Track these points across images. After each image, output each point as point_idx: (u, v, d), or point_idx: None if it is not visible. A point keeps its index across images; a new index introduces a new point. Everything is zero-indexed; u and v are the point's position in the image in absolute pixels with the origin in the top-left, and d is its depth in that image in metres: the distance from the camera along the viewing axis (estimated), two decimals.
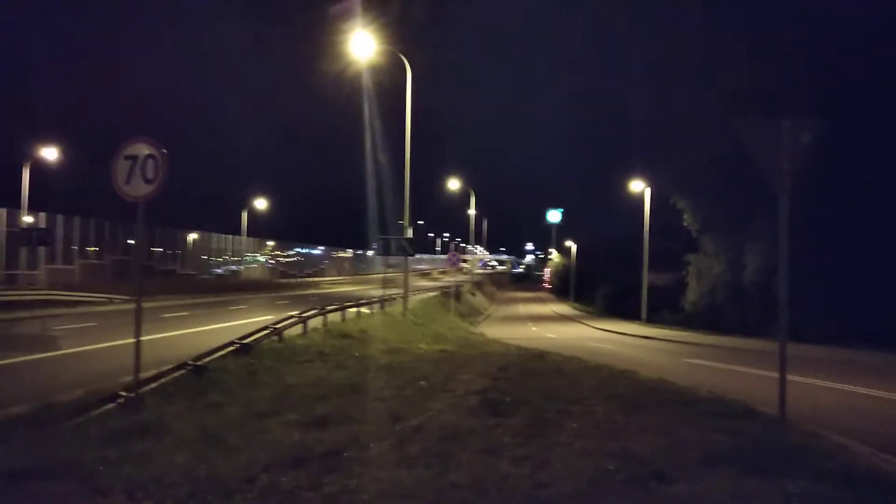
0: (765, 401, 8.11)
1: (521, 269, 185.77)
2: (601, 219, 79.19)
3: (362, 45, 22.00)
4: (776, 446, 5.90)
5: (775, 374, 6.54)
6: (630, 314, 43.92)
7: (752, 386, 11.87)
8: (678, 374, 13.04)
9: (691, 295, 37.45)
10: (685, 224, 37.08)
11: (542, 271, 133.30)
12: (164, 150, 7.37)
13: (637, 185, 43.70)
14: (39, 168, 33.10)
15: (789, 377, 6.46)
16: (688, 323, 35.95)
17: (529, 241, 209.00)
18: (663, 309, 39.95)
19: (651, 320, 39.69)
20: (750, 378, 14.39)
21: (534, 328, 40.06)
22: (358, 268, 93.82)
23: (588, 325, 42.94)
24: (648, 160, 42.57)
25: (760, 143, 6.56)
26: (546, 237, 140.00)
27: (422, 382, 9.38)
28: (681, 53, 33.56)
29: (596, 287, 63.67)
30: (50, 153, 33.02)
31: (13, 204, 31.83)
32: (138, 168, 7.35)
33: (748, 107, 22.95)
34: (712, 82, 29.58)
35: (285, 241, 73.49)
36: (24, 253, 30.00)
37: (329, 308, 18.40)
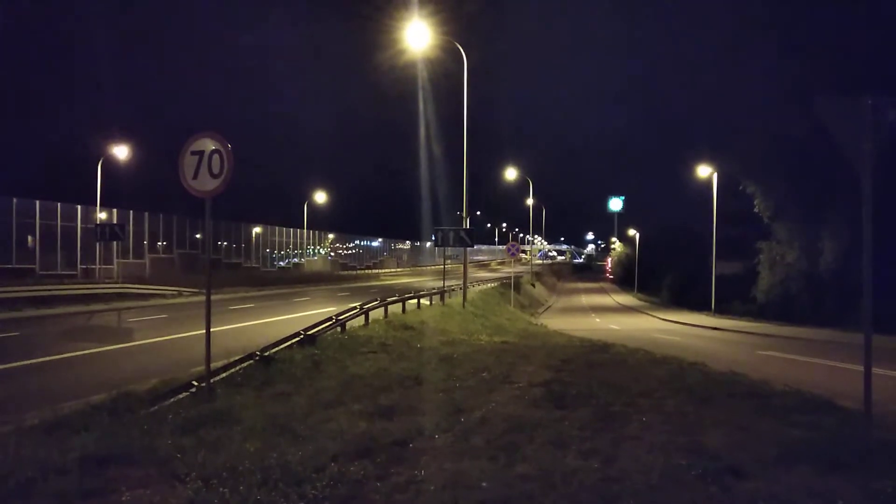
0: (845, 394, 7.74)
1: (581, 260, 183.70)
2: (665, 206, 77.21)
3: (419, 35, 22.04)
4: (860, 442, 5.59)
5: (855, 367, 6.22)
6: (697, 305, 42.72)
7: (831, 379, 11.33)
8: (750, 366, 12.57)
9: (763, 284, 36.14)
10: (755, 210, 35.70)
11: (604, 261, 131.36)
12: (230, 145, 7.45)
13: (704, 171, 42.27)
14: (112, 166, 34.56)
15: (872, 370, 6.11)
16: (759, 313, 34.70)
17: (590, 231, 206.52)
18: (733, 299, 38.67)
19: (720, 311, 38.43)
20: (827, 370, 13.77)
21: (597, 319, 39.48)
22: (416, 259, 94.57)
23: (653, 316, 42.06)
24: (716, 144, 41.09)
25: (842, 122, 6.21)
26: (607, 226, 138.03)
27: (484, 374, 9.33)
28: (751, 27, 32.11)
29: (661, 277, 62.31)
30: (121, 151, 34.41)
31: (88, 201, 33.40)
32: (205, 163, 7.42)
33: (825, 84, 21.85)
34: (784, 59, 28.29)
35: (344, 233, 74.75)
36: (99, 248, 31.40)
37: (390, 300, 18.57)
